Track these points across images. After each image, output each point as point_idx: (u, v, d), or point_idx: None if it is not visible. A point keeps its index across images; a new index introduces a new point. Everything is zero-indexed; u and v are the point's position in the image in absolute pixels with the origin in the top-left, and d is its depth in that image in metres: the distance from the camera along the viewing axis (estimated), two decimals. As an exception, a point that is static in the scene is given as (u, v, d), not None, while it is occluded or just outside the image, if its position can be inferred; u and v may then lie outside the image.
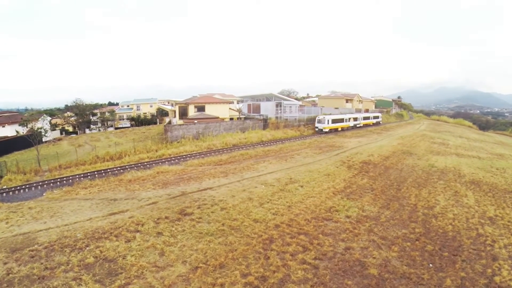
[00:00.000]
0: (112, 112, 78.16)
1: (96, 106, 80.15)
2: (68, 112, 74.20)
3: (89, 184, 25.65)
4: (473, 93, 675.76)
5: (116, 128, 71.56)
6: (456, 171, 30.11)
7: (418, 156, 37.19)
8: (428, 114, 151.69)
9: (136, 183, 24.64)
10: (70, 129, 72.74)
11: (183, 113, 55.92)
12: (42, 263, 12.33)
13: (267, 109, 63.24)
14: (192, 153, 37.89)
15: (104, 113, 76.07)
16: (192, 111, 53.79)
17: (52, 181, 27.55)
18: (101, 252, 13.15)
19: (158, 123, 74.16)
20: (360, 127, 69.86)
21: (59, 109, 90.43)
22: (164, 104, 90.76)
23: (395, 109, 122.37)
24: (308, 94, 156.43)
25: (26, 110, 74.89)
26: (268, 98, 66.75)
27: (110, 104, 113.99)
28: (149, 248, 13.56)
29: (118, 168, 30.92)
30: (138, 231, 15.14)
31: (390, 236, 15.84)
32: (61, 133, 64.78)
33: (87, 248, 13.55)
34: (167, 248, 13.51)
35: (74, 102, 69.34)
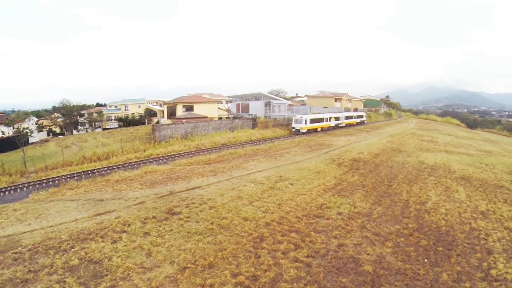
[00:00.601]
0: (99, 113, 77.05)
1: (84, 107, 78.99)
2: (55, 113, 72.91)
3: (76, 185, 25.07)
4: (461, 93, 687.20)
5: (104, 129, 70.49)
6: (446, 168, 30.42)
7: (408, 153, 37.53)
8: (416, 113, 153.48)
9: (124, 183, 24.14)
10: (58, 130, 71.46)
11: (172, 113, 55.40)
12: (25, 266, 11.82)
13: (256, 109, 63.04)
14: (180, 152, 37.47)
15: (91, 114, 74.97)
16: (180, 111, 53.30)
17: (38, 182, 26.97)
18: (86, 253, 12.65)
19: (146, 124, 73.31)
20: (342, 127, 67.09)
21: (46, 110, 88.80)
22: (153, 105, 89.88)
23: (383, 108, 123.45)
24: (297, 94, 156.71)
25: (13, 111, 73.32)
26: (257, 97, 66.57)
27: (98, 105, 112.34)
28: (136, 248, 13.12)
29: (105, 169, 30.37)
30: (124, 231, 14.65)
31: (383, 232, 15.75)
32: (48, 134, 63.62)
33: (72, 249, 13.03)
34: (154, 249, 13.08)
35: (61, 103, 68.12)
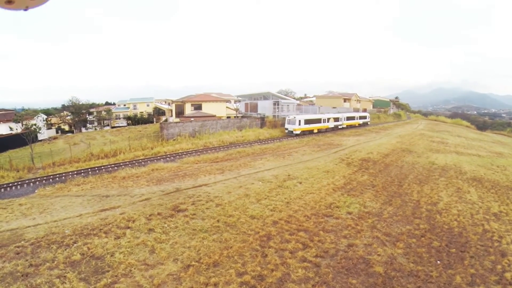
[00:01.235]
0: (108, 111, 77.52)
1: (93, 105, 79.50)
2: (64, 112, 73.54)
3: (82, 181, 25.09)
4: (470, 94, 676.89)
5: (112, 127, 70.84)
6: (457, 169, 29.78)
7: (418, 154, 36.90)
8: (425, 114, 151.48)
9: (130, 180, 24.02)
10: (66, 128, 72.08)
11: (180, 112, 55.34)
12: (27, 260, 11.60)
13: (265, 108, 62.65)
14: (188, 150, 37.32)
15: (100, 112, 75.41)
16: (188, 109, 53.20)
17: (44, 178, 27.11)
18: (88, 249, 12.37)
19: (154, 122, 73.46)
20: (342, 128, 62.20)
21: (55, 109, 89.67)
22: (161, 103, 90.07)
23: (392, 109, 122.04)
24: (305, 95, 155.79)
25: (23, 109, 74.19)
26: (265, 97, 66.18)
27: (107, 104, 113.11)
28: (139, 245, 12.78)
29: (112, 165, 30.35)
30: (128, 227, 14.35)
31: (394, 232, 15.22)
32: (57, 132, 64.11)
33: (75, 244, 12.79)
34: (158, 245, 12.71)
35: (70, 101, 68.68)
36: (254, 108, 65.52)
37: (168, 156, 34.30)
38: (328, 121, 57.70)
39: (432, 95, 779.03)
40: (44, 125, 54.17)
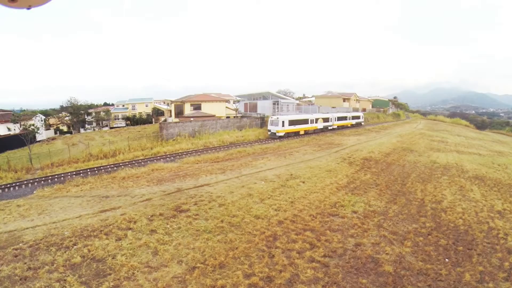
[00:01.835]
0: (107, 112, 77.06)
1: (91, 106, 79.05)
2: (62, 112, 73.07)
3: (81, 182, 24.74)
4: (468, 94, 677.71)
5: (111, 128, 70.42)
6: (459, 167, 29.75)
7: (419, 153, 36.80)
8: (424, 114, 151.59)
9: (130, 180, 23.66)
10: (65, 128, 71.71)
11: (179, 112, 55.00)
12: (25, 263, 11.16)
13: (264, 108, 62.38)
14: (188, 150, 37.02)
15: (99, 112, 74.96)
16: (188, 109, 52.87)
17: (43, 178, 26.79)
18: (89, 251, 11.94)
19: (153, 123, 73.07)
20: (333, 129, 58.52)
21: (53, 109, 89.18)
22: (160, 104, 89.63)
23: (392, 108, 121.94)
24: (304, 95, 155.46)
25: (21, 110, 73.77)
26: (265, 96, 65.92)
27: (106, 104, 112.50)
28: (141, 246, 12.36)
29: (112, 166, 30.00)
30: (130, 228, 13.95)
31: (400, 231, 15.04)
32: (56, 133, 63.73)
33: (75, 247, 12.35)
34: (161, 247, 12.30)
35: (69, 102, 68.23)
36: (254, 108, 65.24)
37: (168, 156, 33.96)
38: (316, 122, 53.87)
39: (431, 95, 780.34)
40: (42, 126, 53.78)
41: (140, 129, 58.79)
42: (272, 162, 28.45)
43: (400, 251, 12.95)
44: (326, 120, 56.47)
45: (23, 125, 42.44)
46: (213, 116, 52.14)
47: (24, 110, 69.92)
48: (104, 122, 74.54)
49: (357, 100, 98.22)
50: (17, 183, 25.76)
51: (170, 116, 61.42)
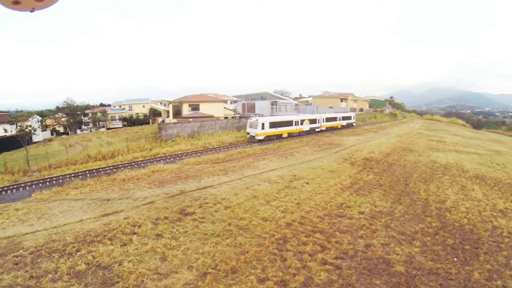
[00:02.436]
0: (104, 113, 76.45)
1: (88, 107, 78.45)
2: (59, 113, 72.41)
3: (80, 184, 24.21)
4: (464, 93, 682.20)
5: (108, 129, 69.88)
6: (459, 167, 29.92)
7: (419, 153, 36.85)
8: (420, 114, 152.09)
9: (131, 182, 23.19)
10: (61, 129, 71.03)
11: (177, 112, 54.63)
12: (27, 271, 10.57)
13: (263, 108, 62.11)
14: (188, 151, 36.64)
15: (95, 113, 74.40)
16: (186, 110, 52.51)
17: (41, 181, 26.22)
18: (93, 257, 11.40)
19: (151, 123, 72.60)
20: (321, 131, 55.54)
21: (49, 110, 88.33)
22: (157, 104, 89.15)
23: (388, 108, 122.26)
24: (300, 95, 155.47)
25: (17, 111, 73.04)
26: (263, 97, 65.66)
27: (102, 105, 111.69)
28: (149, 252, 11.89)
29: (111, 167, 29.52)
30: (134, 233, 13.48)
31: (408, 231, 15.11)
32: (52, 134, 63.12)
33: (78, 253, 11.79)
34: (169, 252, 11.86)
35: (65, 103, 67.61)
36: (252, 108, 64.95)
37: (168, 157, 33.53)
38: (301, 124, 50.11)
39: (427, 94, 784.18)
40: (39, 127, 53.15)
41: (137, 129, 58.36)
42: (273, 163, 28.19)
43: (409, 251, 13.03)
44: (313, 121, 53.29)
45: (20, 126, 41.81)
46: (212, 116, 51.81)
47: (21, 111, 69.20)
48: (100, 123, 73.96)
49: (354, 100, 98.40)
50: (15, 186, 25.18)
51: (168, 116, 61.03)
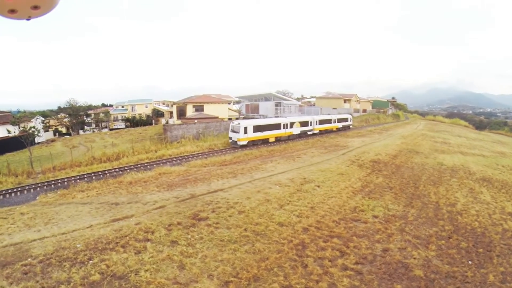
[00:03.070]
0: (106, 113, 76.15)
1: (90, 107, 78.18)
2: (61, 114, 72.13)
3: (86, 187, 23.77)
4: (465, 94, 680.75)
5: (110, 129, 69.62)
6: (466, 169, 29.65)
7: (425, 155, 36.50)
8: (422, 114, 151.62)
9: (138, 185, 22.81)
10: (64, 130, 70.75)
11: (181, 113, 54.32)
12: (37, 281, 10.06)
13: (267, 109, 61.75)
14: (193, 153, 36.29)
15: (98, 114, 74.08)
16: (190, 111, 52.19)
17: (45, 183, 25.72)
18: (107, 266, 10.95)
19: (153, 124, 72.30)
20: (314, 134, 51.09)
21: (51, 111, 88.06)
22: (159, 105, 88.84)
23: (391, 109, 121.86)
24: (302, 96, 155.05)
25: (19, 111, 72.90)
26: (267, 98, 65.32)
27: (104, 105, 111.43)
28: (165, 260, 11.47)
29: (117, 169, 29.13)
30: (148, 240, 13.09)
31: (423, 235, 15.04)
32: (55, 134, 62.85)
33: (90, 261, 11.34)
34: (187, 260, 11.46)
35: (68, 103, 67.34)
36: (256, 109, 64.59)
37: (174, 159, 33.16)
38: (291, 127, 45.96)
39: (428, 95, 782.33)
40: (42, 128, 52.85)
41: (141, 130, 58.03)
42: (282, 166, 27.90)
43: (426, 255, 13.05)
44: (304, 124, 48.90)
45: (23, 127, 41.45)
46: (216, 117, 51.48)
47: (23, 111, 69.06)
48: (103, 123, 73.65)
49: (357, 101, 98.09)
50: (19, 188, 24.67)
51: (171, 117, 60.72)
